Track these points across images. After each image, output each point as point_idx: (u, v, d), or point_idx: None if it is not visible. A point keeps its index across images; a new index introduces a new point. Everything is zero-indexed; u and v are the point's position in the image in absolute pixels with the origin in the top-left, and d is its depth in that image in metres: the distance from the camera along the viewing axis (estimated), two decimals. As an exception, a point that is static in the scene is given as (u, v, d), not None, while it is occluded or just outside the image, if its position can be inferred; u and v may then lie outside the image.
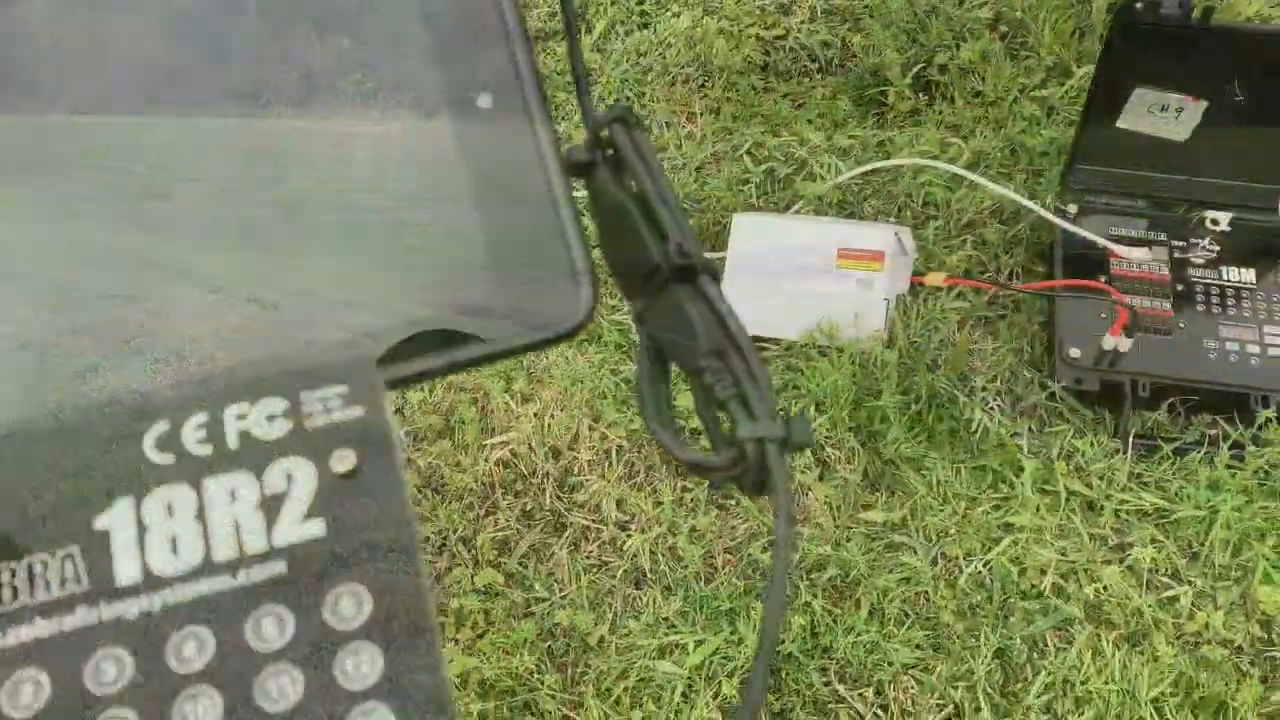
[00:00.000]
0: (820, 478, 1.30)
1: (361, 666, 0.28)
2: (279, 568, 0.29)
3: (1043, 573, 1.23)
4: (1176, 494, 1.25)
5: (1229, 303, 1.33)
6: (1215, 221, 1.38)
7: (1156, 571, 1.23)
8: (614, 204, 0.35)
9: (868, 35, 1.63)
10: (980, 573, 1.24)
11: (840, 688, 1.19)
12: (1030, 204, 1.39)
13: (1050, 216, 1.38)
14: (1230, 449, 1.25)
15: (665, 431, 0.34)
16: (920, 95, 1.57)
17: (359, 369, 0.31)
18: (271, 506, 0.30)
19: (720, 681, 1.20)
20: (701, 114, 1.63)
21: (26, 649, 0.28)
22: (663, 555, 1.28)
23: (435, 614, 0.28)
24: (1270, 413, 1.24)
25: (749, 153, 1.56)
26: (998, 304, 1.41)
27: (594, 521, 1.32)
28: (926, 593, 1.24)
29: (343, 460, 0.30)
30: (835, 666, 1.20)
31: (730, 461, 0.32)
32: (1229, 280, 1.34)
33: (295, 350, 0.33)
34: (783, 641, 1.21)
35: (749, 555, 1.27)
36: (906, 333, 1.37)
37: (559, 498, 1.34)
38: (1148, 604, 1.20)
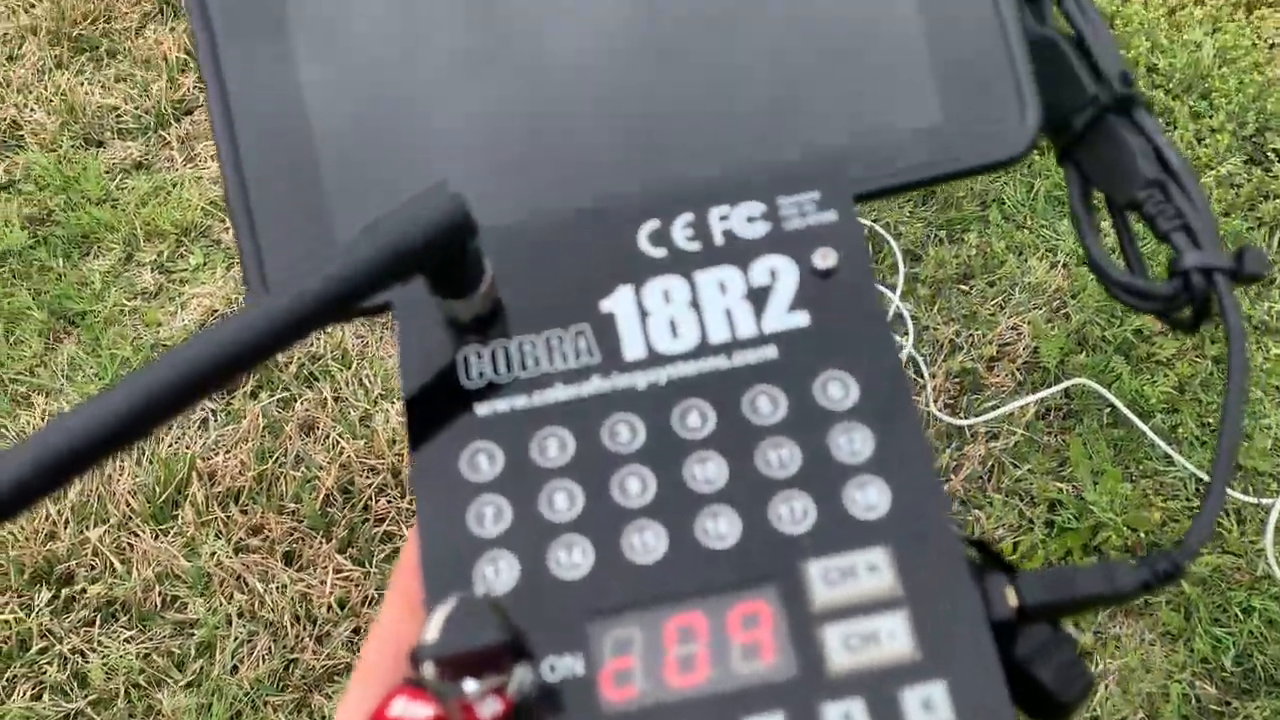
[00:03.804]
0: None
1: (855, 443, 0.30)
2: (769, 352, 0.31)
3: None
4: None
5: None
6: None
7: None
8: (1038, 38, 0.35)
9: None
10: None
11: None
12: None
13: None
14: None
15: (1104, 259, 0.34)
16: None
17: (831, 176, 0.33)
18: (758, 298, 0.32)
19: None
20: None
21: (550, 410, 0.31)
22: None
23: (913, 399, 0.30)
24: None
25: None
26: None
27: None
28: None
29: (825, 258, 0.32)
30: None
31: (1173, 292, 0.32)
32: None
33: (767, 159, 0.34)
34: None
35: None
36: None
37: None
38: None
